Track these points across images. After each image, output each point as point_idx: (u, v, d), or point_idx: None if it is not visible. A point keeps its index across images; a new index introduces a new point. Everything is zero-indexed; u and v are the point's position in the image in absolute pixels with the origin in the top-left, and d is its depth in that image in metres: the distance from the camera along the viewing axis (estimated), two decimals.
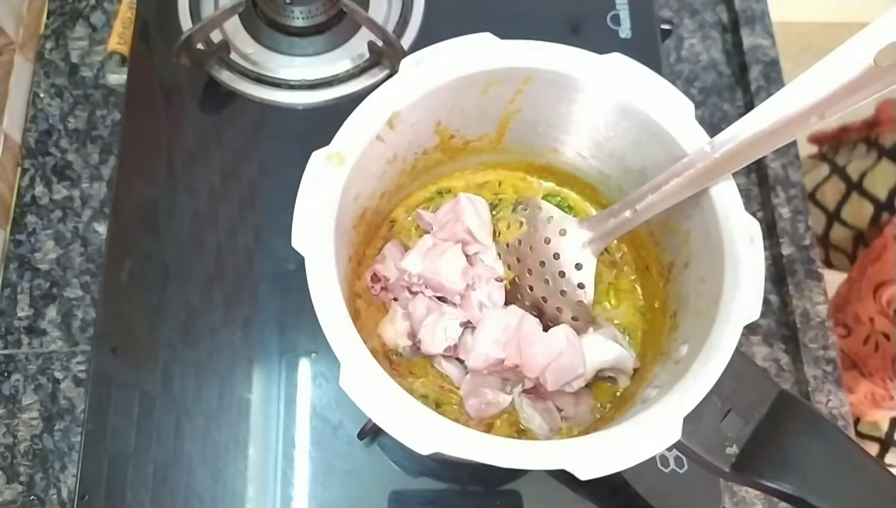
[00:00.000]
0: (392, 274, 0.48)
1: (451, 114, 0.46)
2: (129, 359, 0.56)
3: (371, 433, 0.53)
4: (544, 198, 0.53)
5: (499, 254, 0.49)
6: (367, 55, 0.66)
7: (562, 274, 0.45)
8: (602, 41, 0.67)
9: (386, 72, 0.65)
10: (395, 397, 0.35)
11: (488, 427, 0.47)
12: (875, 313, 0.73)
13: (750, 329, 0.56)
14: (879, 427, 0.83)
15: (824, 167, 0.93)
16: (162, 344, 0.56)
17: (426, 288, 0.47)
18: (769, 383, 0.38)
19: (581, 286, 0.45)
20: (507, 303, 0.47)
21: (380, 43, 0.64)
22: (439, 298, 0.47)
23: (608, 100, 0.44)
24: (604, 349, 0.45)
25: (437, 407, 0.47)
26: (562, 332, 0.44)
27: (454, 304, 0.47)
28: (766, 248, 0.39)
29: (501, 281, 0.48)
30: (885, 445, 0.83)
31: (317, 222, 0.39)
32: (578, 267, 0.45)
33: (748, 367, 0.38)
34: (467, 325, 0.46)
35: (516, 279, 0.49)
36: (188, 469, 0.53)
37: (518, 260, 0.48)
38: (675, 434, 0.35)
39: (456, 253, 0.47)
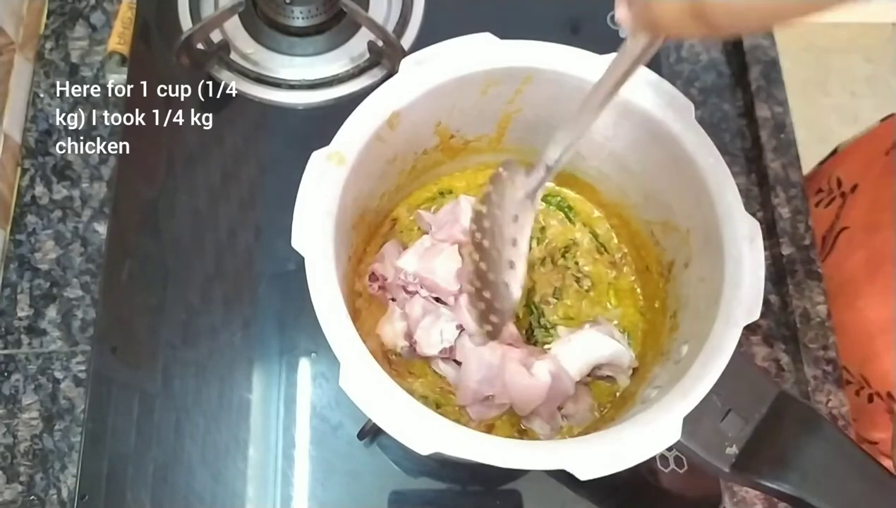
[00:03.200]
0: (389, 273, 0.48)
1: (450, 114, 0.46)
2: (129, 359, 0.56)
3: (371, 433, 0.53)
4: (544, 198, 0.53)
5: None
6: (367, 55, 0.66)
7: (514, 241, 0.42)
8: (602, 41, 0.66)
9: (386, 72, 0.65)
10: (394, 397, 0.35)
11: (489, 428, 0.47)
12: None
13: (750, 329, 0.56)
14: None
15: None
16: (162, 344, 0.56)
17: (421, 288, 0.47)
18: (769, 383, 0.38)
19: (513, 243, 0.42)
20: (472, 290, 0.43)
21: (380, 43, 0.64)
22: (436, 299, 0.47)
23: None
24: (600, 345, 0.45)
25: (437, 407, 0.47)
26: (544, 369, 0.44)
27: (449, 306, 0.47)
28: (766, 248, 0.39)
29: None
30: None
31: (317, 222, 0.39)
32: (515, 219, 0.42)
33: (748, 367, 0.38)
34: (463, 328, 0.46)
35: (481, 265, 0.43)
36: (188, 469, 0.53)
37: (483, 243, 0.43)
38: (675, 435, 0.35)
39: (451, 253, 0.47)
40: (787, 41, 0.81)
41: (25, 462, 0.55)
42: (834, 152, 0.72)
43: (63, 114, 0.66)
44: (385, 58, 0.65)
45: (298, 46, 0.66)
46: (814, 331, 0.60)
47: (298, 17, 0.65)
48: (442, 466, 0.53)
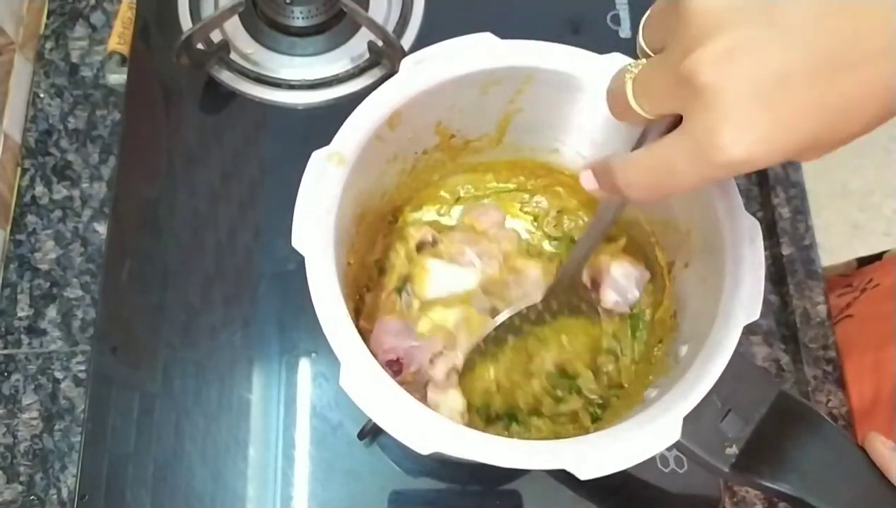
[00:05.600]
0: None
1: (451, 114, 0.46)
2: (129, 359, 0.56)
3: (371, 433, 0.53)
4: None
5: None
6: (367, 55, 0.66)
7: None
8: (602, 41, 0.66)
9: (386, 72, 0.65)
10: (395, 397, 0.35)
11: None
12: None
13: (750, 329, 0.56)
14: None
15: None
16: (162, 344, 0.56)
17: None
18: (769, 383, 0.38)
19: None
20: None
21: (380, 43, 0.64)
22: None
23: None
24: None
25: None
26: None
27: None
28: (766, 248, 0.39)
29: None
30: None
31: (317, 222, 0.39)
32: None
33: (748, 367, 0.38)
34: None
35: None
36: (188, 469, 0.53)
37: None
38: (675, 435, 0.35)
39: None
40: None
41: (25, 462, 0.55)
42: (880, 256, 0.72)
43: (63, 115, 0.66)
44: (385, 58, 0.65)
45: (298, 46, 0.66)
46: (814, 331, 0.60)
47: (298, 17, 0.65)
48: (442, 466, 0.53)
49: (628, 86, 0.29)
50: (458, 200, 0.53)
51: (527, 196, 0.54)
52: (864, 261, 0.73)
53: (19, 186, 0.63)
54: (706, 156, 0.26)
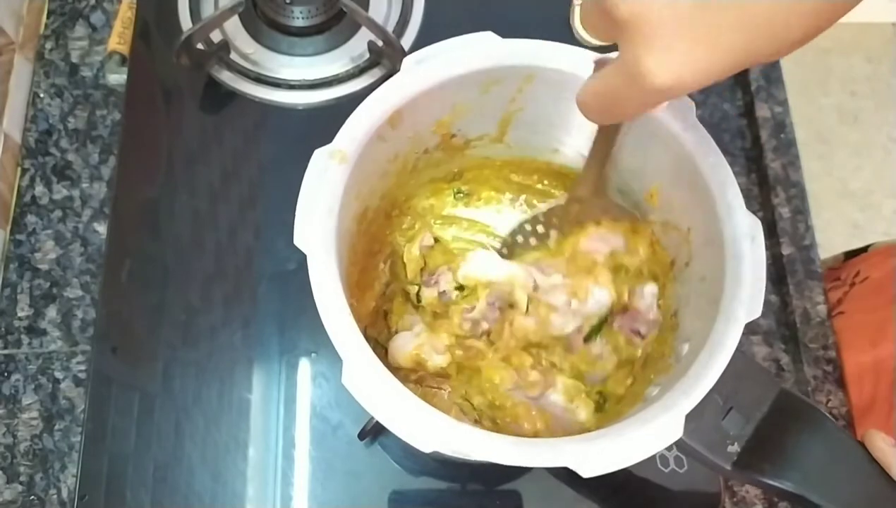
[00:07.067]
0: None
1: (452, 114, 0.46)
2: (129, 359, 0.56)
3: (372, 433, 0.53)
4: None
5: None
6: (367, 55, 0.66)
7: None
8: None
9: (386, 71, 0.65)
10: (397, 394, 0.35)
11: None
12: None
13: (750, 329, 0.56)
14: None
15: None
16: (162, 344, 0.56)
17: None
18: (770, 381, 0.38)
19: None
20: None
21: (380, 43, 0.64)
22: None
23: None
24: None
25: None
26: None
27: None
28: (766, 248, 0.39)
29: None
30: None
31: (319, 220, 0.39)
32: None
33: (749, 365, 0.38)
34: None
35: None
36: (188, 469, 0.53)
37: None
38: (677, 433, 0.35)
39: None
40: None
41: (25, 462, 0.55)
42: (865, 249, 0.73)
43: (63, 115, 0.66)
44: (385, 57, 0.65)
45: (298, 46, 0.66)
46: (814, 331, 0.60)
47: (298, 17, 0.65)
48: (442, 466, 0.53)
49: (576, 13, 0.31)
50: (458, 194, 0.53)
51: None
52: (850, 255, 0.74)
53: (19, 186, 0.63)
54: (638, 83, 0.27)
